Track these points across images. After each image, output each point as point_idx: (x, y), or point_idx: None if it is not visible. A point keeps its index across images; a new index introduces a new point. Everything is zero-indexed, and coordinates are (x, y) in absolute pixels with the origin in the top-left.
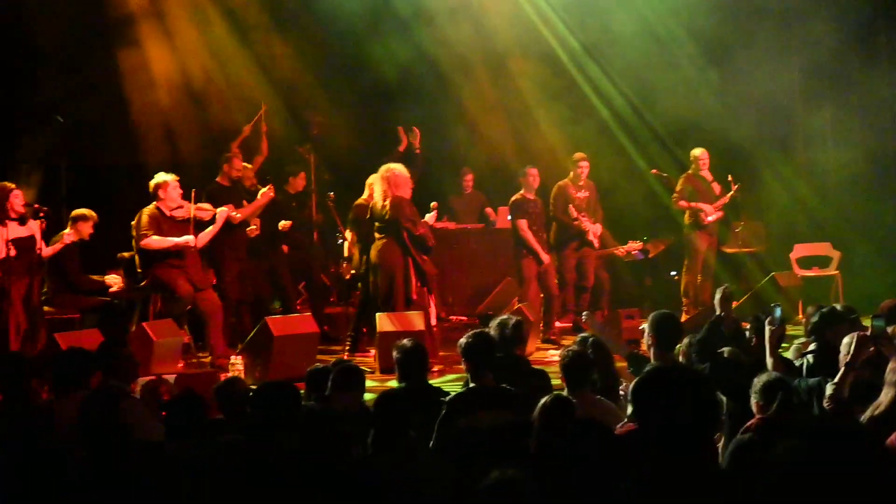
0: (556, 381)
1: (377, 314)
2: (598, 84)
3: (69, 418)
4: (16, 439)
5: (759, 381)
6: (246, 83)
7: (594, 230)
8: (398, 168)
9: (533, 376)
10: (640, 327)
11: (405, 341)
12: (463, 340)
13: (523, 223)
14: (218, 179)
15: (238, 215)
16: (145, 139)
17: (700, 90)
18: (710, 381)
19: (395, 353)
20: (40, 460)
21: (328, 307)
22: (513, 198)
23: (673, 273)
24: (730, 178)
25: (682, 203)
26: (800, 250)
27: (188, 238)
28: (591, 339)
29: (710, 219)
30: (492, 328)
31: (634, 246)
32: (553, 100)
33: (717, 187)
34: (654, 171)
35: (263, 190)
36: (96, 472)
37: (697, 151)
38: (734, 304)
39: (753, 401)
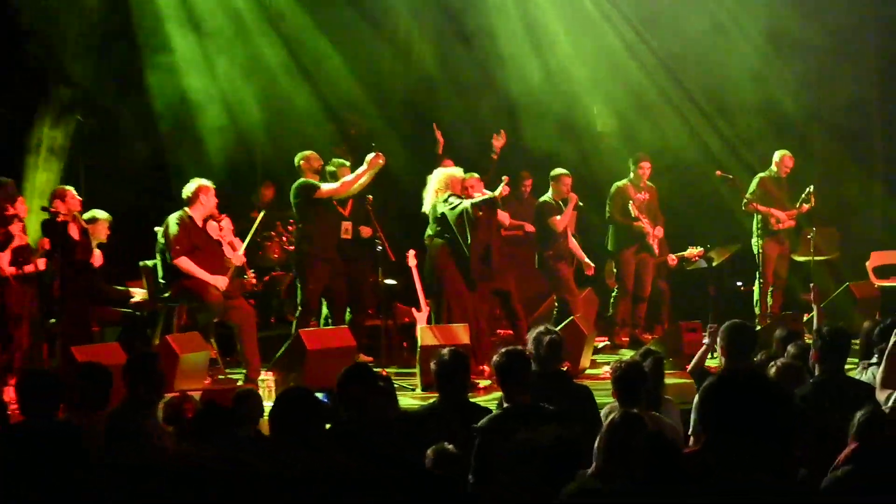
0: (604, 399)
1: (419, 327)
2: (657, 78)
3: (91, 439)
4: (45, 463)
5: (862, 415)
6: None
7: (655, 234)
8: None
9: (574, 393)
10: (703, 341)
11: (444, 352)
12: (496, 358)
13: (556, 221)
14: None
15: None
16: (170, 139)
17: (771, 84)
18: (789, 391)
19: (433, 365)
20: (71, 485)
21: (368, 319)
22: (540, 199)
23: (739, 283)
24: (810, 189)
25: (753, 206)
26: (877, 258)
27: (220, 280)
28: (651, 354)
29: (780, 225)
30: (529, 342)
31: (695, 252)
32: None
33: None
34: (718, 172)
35: (370, 157)
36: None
37: (781, 153)
38: (805, 317)
39: (851, 432)
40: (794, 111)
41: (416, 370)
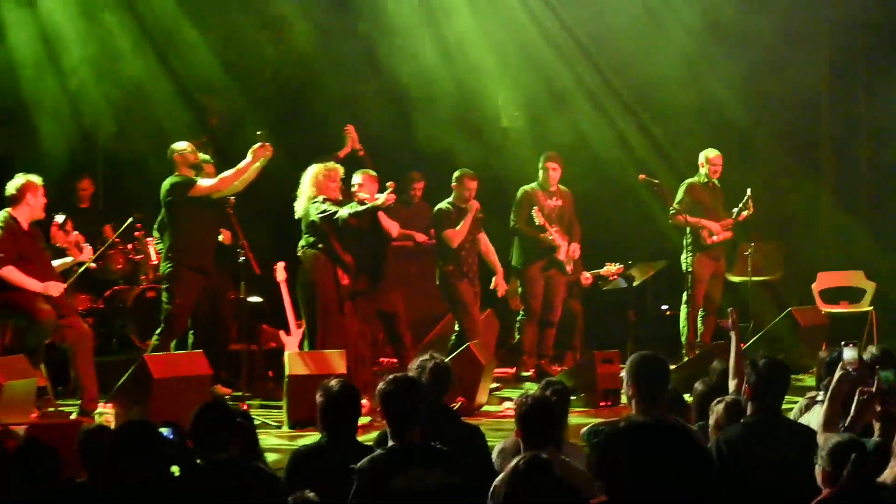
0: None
1: (287, 353)
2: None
3: None
4: None
5: (828, 444)
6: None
7: (567, 249)
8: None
9: (460, 431)
10: (620, 374)
11: (332, 382)
12: (382, 387)
13: (452, 233)
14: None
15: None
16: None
17: (708, 78)
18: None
19: (319, 398)
20: None
21: (228, 343)
22: (437, 206)
23: (664, 307)
24: (748, 192)
25: (682, 218)
26: (825, 280)
27: (53, 287)
28: (552, 386)
29: (713, 238)
30: (410, 372)
31: (613, 270)
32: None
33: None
34: (641, 176)
35: (255, 147)
36: None
37: (710, 153)
38: (741, 347)
39: (819, 468)
40: (734, 110)
41: (283, 403)
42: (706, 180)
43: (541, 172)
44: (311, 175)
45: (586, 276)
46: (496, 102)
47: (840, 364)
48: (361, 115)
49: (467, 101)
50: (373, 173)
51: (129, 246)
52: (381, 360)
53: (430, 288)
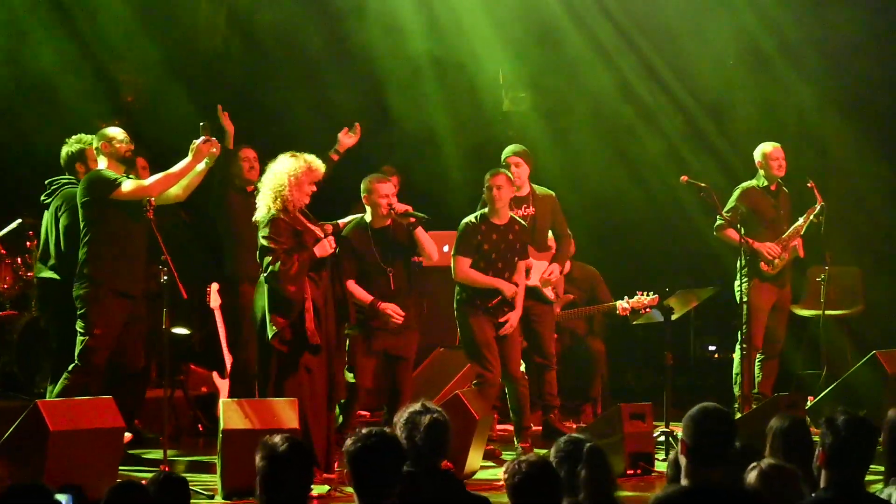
0: None
1: (222, 400)
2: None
3: None
4: None
5: None
6: None
7: (545, 272)
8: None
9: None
10: (656, 434)
11: (276, 438)
12: (349, 445)
13: (466, 262)
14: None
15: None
16: None
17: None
18: None
19: (258, 461)
20: None
21: (146, 386)
22: (463, 221)
23: (712, 347)
24: (810, 184)
25: (730, 232)
26: None
27: None
28: (586, 444)
29: (772, 267)
30: (398, 427)
31: (646, 301)
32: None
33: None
34: (684, 177)
35: (197, 143)
36: None
37: (767, 148)
38: (809, 400)
39: None
40: (804, 98)
41: (217, 464)
42: (766, 183)
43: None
44: (279, 170)
45: (623, 307)
46: (496, 81)
47: None
48: (327, 98)
49: (454, 75)
50: (381, 176)
51: (19, 260)
52: (359, 412)
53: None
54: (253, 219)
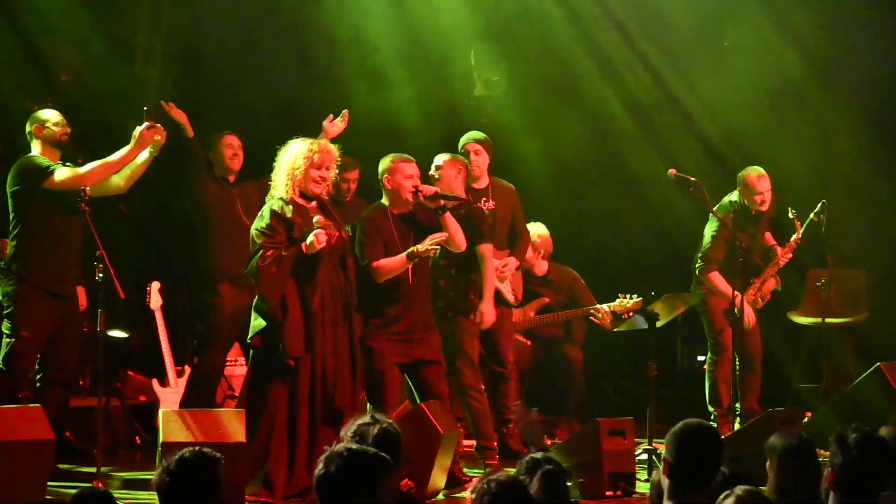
0: None
1: (161, 410)
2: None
3: None
4: None
5: None
6: None
7: (500, 265)
8: None
9: None
10: (638, 452)
11: (185, 452)
12: (321, 468)
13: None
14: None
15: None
16: None
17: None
18: None
19: (155, 475)
20: None
21: (76, 397)
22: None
23: (700, 358)
24: (792, 213)
25: (714, 277)
26: None
27: None
28: (544, 468)
29: (760, 297)
30: (345, 441)
31: (629, 305)
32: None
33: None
34: (672, 171)
35: (139, 129)
36: None
37: (752, 173)
38: (807, 416)
39: None
40: (804, 76)
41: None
42: (746, 204)
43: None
44: (292, 155)
45: (599, 312)
46: (467, 62)
47: None
48: (279, 81)
49: (426, 60)
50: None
51: None
52: None
53: None
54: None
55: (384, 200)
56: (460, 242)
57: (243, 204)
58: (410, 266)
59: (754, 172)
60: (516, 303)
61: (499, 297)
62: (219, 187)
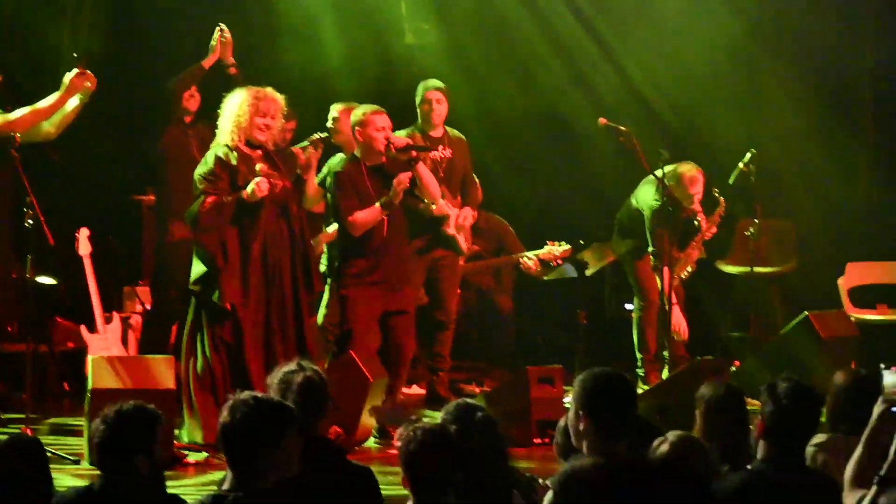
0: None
1: (90, 357)
2: None
3: None
4: None
5: None
6: None
7: (457, 217)
8: None
9: (349, 473)
10: (566, 400)
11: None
12: (225, 416)
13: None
14: None
15: None
16: None
17: None
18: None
19: (94, 425)
20: None
21: (5, 342)
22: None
23: (629, 306)
24: (716, 192)
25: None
26: (856, 274)
27: None
28: (476, 413)
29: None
30: (270, 389)
31: (558, 252)
32: None
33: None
34: (602, 120)
35: (70, 75)
36: None
37: (686, 169)
38: (735, 365)
39: None
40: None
41: (84, 426)
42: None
43: (419, 107)
44: (237, 102)
45: (529, 260)
46: (398, 10)
47: (881, 395)
48: (209, 31)
49: (357, 9)
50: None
51: None
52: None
53: None
54: None
55: (357, 152)
56: (435, 193)
57: (198, 144)
58: (386, 219)
59: (688, 167)
60: (469, 253)
61: (454, 245)
62: (175, 128)
